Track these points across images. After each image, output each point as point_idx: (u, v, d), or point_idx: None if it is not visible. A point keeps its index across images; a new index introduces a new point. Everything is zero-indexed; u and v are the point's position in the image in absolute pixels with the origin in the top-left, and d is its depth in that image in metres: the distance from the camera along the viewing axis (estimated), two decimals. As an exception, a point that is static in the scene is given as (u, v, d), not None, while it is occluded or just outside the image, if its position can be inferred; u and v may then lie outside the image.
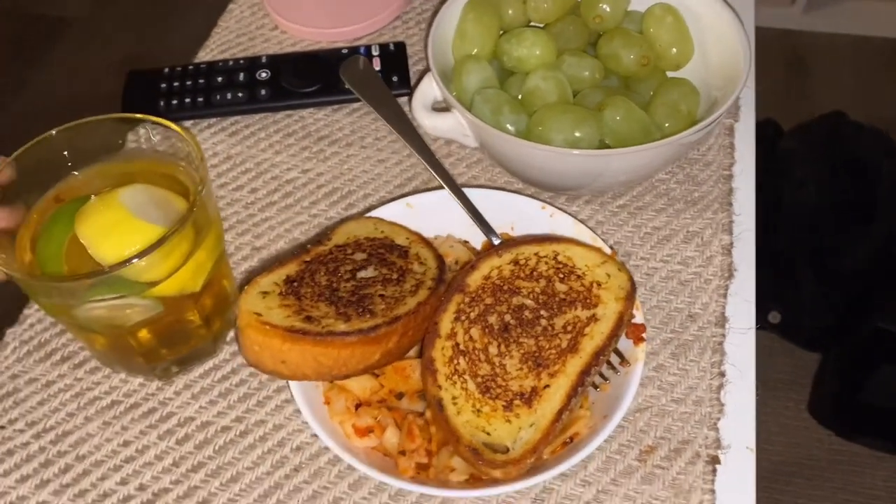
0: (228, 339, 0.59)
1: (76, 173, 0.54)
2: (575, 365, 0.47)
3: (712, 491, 0.50)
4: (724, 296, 0.59)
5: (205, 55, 0.80)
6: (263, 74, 0.73)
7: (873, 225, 1.46)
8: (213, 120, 0.74)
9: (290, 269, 0.50)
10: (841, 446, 1.41)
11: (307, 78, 0.73)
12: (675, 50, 0.64)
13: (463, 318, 0.49)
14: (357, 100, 0.73)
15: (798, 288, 1.49)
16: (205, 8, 0.91)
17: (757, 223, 0.64)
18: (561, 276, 0.51)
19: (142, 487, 0.52)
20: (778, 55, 2.06)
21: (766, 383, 0.56)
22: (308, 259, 0.51)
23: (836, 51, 2.09)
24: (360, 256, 0.52)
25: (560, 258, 0.51)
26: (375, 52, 0.75)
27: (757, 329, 0.58)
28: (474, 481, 0.47)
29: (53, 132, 0.52)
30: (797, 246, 1.49)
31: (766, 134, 1.62)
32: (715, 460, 0.52)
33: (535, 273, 0.51)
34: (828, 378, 1.46)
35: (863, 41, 2.09)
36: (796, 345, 1.51)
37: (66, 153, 0.53)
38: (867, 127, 1.55)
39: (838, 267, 1.47)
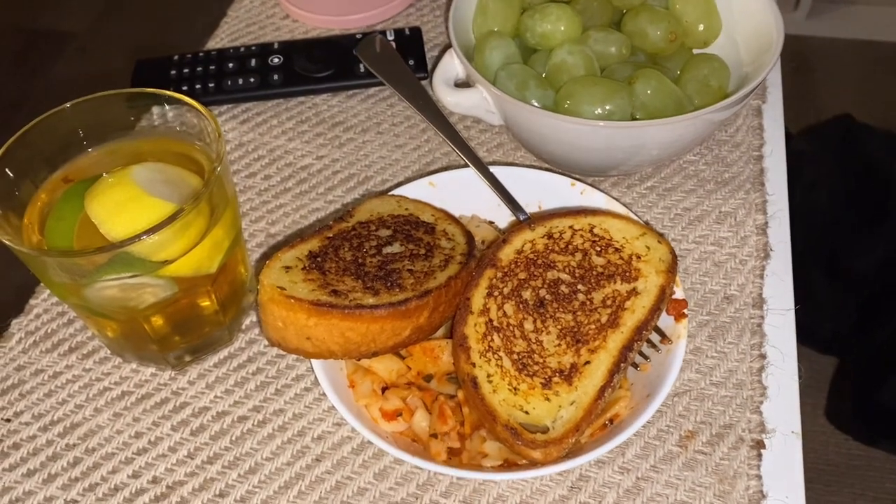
0: (244, 327, 0.57)
1: (90, 150, 0.52)
2: (616, 340, 0.44)
3: (759, 476, 0.48)
4: (761, 276, 0.57)
5: (214, 45, 0.78)
6: (276, 60, 0.71)
7: (886, 226, 1.44)
8: (224, 107, 0.72)
9: (313, 244, 0.48)
10: (859, 451, 1.38)
11: (321, 63, 0.70)
12: (702, 26, 0.62)
13: (496, 293, 0.47)
14: (372, 85, 0.71)
15: (812, 292, 1.46)
16: (212, 5, 0.89)
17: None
18: (598, 249, 0.48)
19: (155, 480, 0.50)
20: (782, 60, 2.05)
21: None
22: (331, 235, 0.49)
23: (839, 55, 2.08)
24: (384, 233, 0.49)
25: (596, 231, 0.49)
26: (391, 36, 0.73)
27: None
28: (508, 467, 0.44)
29: (68, 105, 0.50)
30: (810, 249, 1.47)
31: (775, 137, 1.60)
32: (760, 445, 0.49)
33: (570, 246, 0.48)
34: (845, 383, 1.43)
35: (866, 45, 2.09)
36: (812, 349, 1.48)
37: (78, 130, 0.51)
38: (877, 129, 1.54)
39: (852, 269, 1.45)
